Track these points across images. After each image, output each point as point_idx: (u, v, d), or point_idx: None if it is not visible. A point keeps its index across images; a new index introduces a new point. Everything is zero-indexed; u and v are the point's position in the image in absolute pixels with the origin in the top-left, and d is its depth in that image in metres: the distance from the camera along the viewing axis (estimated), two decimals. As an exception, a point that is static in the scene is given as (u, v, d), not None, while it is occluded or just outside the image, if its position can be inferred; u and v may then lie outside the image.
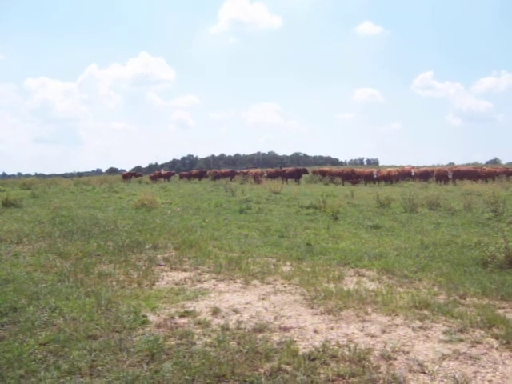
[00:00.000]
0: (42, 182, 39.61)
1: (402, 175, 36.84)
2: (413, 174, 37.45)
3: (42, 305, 5.27)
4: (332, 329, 4.80)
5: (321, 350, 4.18)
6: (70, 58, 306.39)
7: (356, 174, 37.04)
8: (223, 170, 51.61)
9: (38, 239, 9.64)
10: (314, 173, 43.14)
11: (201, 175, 51.46)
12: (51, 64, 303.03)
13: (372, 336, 4.59)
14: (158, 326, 4.77)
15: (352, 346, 4.29)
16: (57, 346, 4.18)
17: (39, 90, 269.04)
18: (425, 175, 36.67)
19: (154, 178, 50.51)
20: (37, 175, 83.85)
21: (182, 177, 54.23)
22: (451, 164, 73.26)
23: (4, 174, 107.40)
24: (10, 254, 8.10)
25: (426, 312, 5.24)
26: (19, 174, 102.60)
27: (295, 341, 4.43)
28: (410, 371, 3.80)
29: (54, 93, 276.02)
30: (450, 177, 33.47)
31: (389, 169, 40.86)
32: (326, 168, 48.27)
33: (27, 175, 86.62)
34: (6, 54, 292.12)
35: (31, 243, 9.27)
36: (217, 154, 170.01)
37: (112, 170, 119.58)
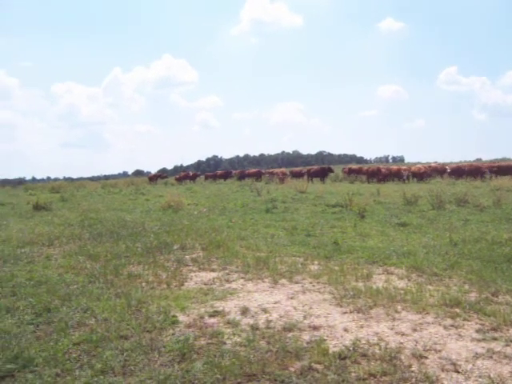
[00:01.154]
0: (71, 186, 40.20)
1: (434, 172, 35.99)
2: (449, 170, 36.59)
3: (74, 305, 5.37)
4: (362, 327, 4.77)
5: (351, 348, 4.17)
6: (95, 62, 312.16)
7: (383, 173, 36.32)
8: (252, 170, 51.43)
9: (68, 241, 9.81)
10: (350, 172, 42.20)
11: (226, 176, 51.62)
12: (77, 69, 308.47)
13: (402, 334, 4.54)
14: (188, 325, 4.81)
15: (383, 344, 4.26)
16: (90, 345, 4.25)
17: (65, 95, 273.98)
18: (458, 172, 35.86)
19: (179, 180, 50.90)
20: (65, 179, 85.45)
21: (207, 177, 54.49)
22: (478, 160, 71.89)
23: (34, 179, 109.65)
24: (42, 256, 8.27)
25: (457, 310, 5.17)
26: (48, 178, 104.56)
27: (325, 340, 4.42)
28: (443, 370, 3.75)
29: (79, 97, 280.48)
30: (487, 174, 32.50)
31: (418, 165, 40.02)
32: (355, 166, 47.72)
33: (56, 179, 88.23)
34: (34, 61, 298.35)
35: (62, 245, 9.44)
36: (241, 154, 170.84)
37: (138, 173, 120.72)
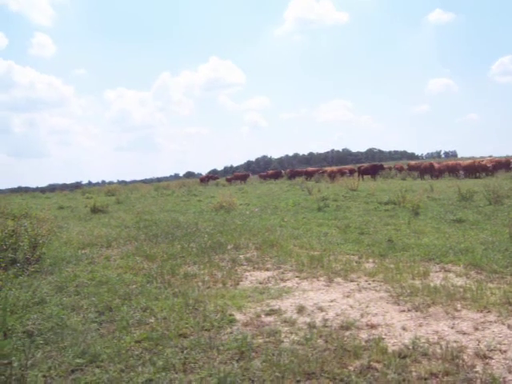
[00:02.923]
0: (125, 189, 41.25)
1: (500, 166, 34.22)
2: None
3: (134, 305, 5.52)
4: (421, 326, 4.68)
5: (411, 347, 4.10)
6: (144, 68, 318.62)
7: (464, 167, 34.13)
8: (310, 169, 50.93)
9: (125, 243, 10.10)
10: (425, 169, 39.94)
11: (277, 175, 51.51)
12: (127, 75, 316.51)
13: (464, 333, 4.43)
14: (245, 324, 4.86)
15: (443, 343, 4.17)
16: (151, 343, 4.37)
17: (117, 101, 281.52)
18: None
19: (230, 180, 51.31)
20: (119, 182, 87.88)
21: (261, 177, 54.38)
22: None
23: (89, 182, 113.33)
24: (101, 257, 8.54)
25: (521, 308, 4.98)
26: (103, 182, 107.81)
27: (383, 338, 4.37)
28: (510, 372, 3.62)
29: (130, 102, 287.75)
30: None
31: (487, 159, 38.06)
32: (413, 163, 46.20)
33: (110, 182, 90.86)
34: (87, 68, 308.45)
35: (119, 247, 9.73)
36: (291, 153, 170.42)
37: (189, 174, 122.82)
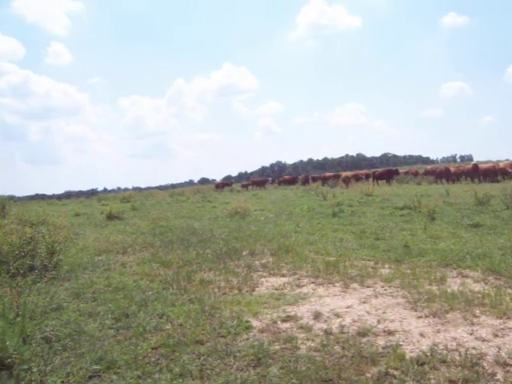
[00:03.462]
0: (140, 195, 41.47)
1: None
2: None
3: (150, 311, 5.54)
4: (439, 332, 4.63)
5: (429, 354, 4.05)
6: (158, 75, 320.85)
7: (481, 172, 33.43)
8: (328, 174, 50.61)
9: (141, 249, 10.16)
10: (441, 173, 39.25)
11: (293, 181, 51.17)
12: (141, 82, 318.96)
13: (483, 340, 4.37)
14: (262, 330, 4.85)
15: (462, 350, 4.11)
16: (167, 350, 4.38)
17: (131, 108, 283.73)
18: None
19: (246, 186, 51.14)
20: (134, 188, 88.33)
21: (280, 183, 53.97)
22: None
23: (105, 189, 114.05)
24: (117, 264, 8.60)
25: (542, 315, 4.91)
26: (118, 188, 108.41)
27: (401, 345, 4.33)
28: (532, 379, 3.57)
29: (144, 109, 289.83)
30: None
31: (504, 162, 37.26)
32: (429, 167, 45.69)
33: (125, 189, 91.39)
34: (102, 76, 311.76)
35: (135, 253, 9.78)
36: (305, 158, 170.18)
37: (204, 180, 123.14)
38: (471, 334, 4.52)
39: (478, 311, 5.14)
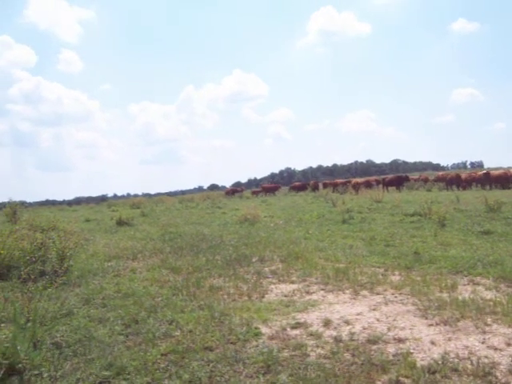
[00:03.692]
0: (150, 201, 41.58)
1: None
2: None
3: (159, 317, 5.55)
4: (450, 340, 4.59)
5: (440, 362, 4.01)
6: (168, 81, 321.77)
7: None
8: (339, 180, 50.32)
9: (150, 255, 10.18)
10: (452, 180, 38.70)
11: (303, 187, 50.74)
12: (151, 89, 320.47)
13: (495, 349, 4.32)
14: (271, 337, 4.83)
15: (474, 359, 4.07)
16: (177, 356, 4.38)
17: (141, 114, 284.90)
18: None
19: (257, 193, 50.84)
20: (143, 195, 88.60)
21: (291, 189, 53.29)
22: None
23: (115, 195, 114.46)
24: (127, 270, 8.62)
25: (556, 323, 4.85)
26: (128, 195, 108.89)
27: (412, 352, 4.30)
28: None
29: (154, 116, 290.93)
30: None
31: None
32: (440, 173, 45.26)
33: (135, 195, 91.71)
34: (112, 83, 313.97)
35: (145, 259, 9.80)
36: (314, 165, 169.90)
37: (213, 187, 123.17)
38: (483, 343, 4.48)
39: (489, 319, 5.10)
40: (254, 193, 51.36)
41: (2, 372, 3.88)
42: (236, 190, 55.53)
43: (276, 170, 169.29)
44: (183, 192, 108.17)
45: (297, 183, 57.21)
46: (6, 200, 22.46)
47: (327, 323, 5.22)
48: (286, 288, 6.97)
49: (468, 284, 6.72)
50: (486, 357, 4.13)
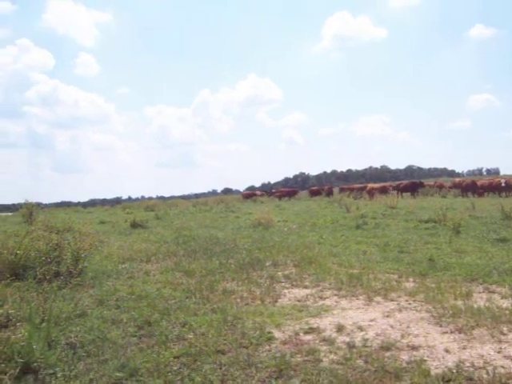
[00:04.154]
0: (164, 204, 41.63)
1: None
2: None
3: (172, 320, 5.56)
4: (465, 349, 4.54)
5: (455, 371, 3.97)
6: (184, 85, 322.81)
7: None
8: (356, 186, 49.89)
9: (164, 258, 10.21)
10: (467, 187, 36.75)
11: (319, 192, 50.25)
12: (167, 92, 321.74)
13: (512, 359, 4.26)
14: (284, 342, 4.83)
15: (490, 368, 4.02)
16: (189, 359, 4.39)
17: (157, 118, 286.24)
18: None
19: (272, 194, 50.57)
20: (158, 197, 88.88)
21: (311, 193, 52.53)
22: None
23: (129, 198, 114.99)
24: (141, 272, 8.66)
25: None
26: (142, 197, 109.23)
27: (425, 360, 4.26)
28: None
29: (170, 119, 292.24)
30: None
31: None
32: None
33: (149, 198, 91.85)
34: (128, 86, 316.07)
35: (159, 262, 9.84)
36: (328, 170, 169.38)
37: (227, 190, 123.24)
38: (499, 352, 4.42)
39: (505, 328, 5.02)
40: (271, 194, 51.02)
41: (17, 370, 3.93)
42: (255, 193, 54.71)
43: (290, 175, 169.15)
44: (197, 195, 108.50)
45: (313, 188, 56.75)
46: (22, 201, 22.70)
47: (340, 329, 5.19)
48: (299, 293, 6.95)
49: (483, 292, 6.65)
50: (502, 366, 4.08)
